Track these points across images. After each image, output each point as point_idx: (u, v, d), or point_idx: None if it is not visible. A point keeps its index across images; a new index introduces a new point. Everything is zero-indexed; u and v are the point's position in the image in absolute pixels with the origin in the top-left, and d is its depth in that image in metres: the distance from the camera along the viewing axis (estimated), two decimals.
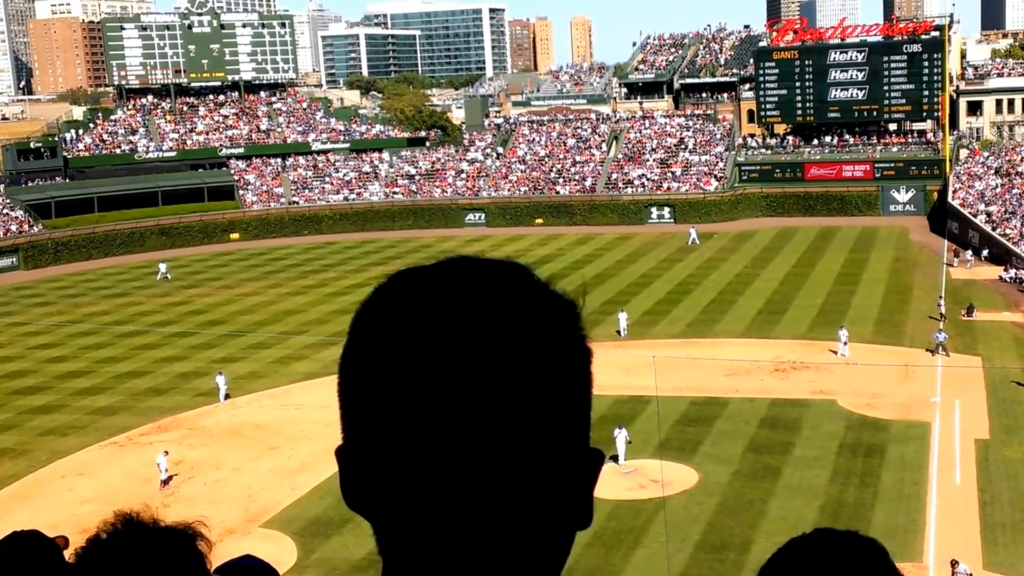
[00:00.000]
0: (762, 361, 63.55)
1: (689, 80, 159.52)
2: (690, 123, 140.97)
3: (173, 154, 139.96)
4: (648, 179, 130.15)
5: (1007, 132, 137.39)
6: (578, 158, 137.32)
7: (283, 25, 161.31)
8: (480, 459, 1.74)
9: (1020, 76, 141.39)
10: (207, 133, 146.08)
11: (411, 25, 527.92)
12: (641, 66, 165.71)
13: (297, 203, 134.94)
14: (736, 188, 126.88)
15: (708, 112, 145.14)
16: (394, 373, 1.75)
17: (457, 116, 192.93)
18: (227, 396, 61.93)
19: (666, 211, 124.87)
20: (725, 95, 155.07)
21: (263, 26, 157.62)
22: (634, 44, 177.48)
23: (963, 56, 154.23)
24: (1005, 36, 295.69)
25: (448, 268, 1.86)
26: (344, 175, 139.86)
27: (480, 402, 1.73)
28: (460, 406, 1.72)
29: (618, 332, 71.03)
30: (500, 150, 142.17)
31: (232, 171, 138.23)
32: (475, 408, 1.73)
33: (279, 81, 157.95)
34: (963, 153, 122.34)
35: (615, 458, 47.40)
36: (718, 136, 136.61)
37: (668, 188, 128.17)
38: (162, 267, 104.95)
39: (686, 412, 55.23)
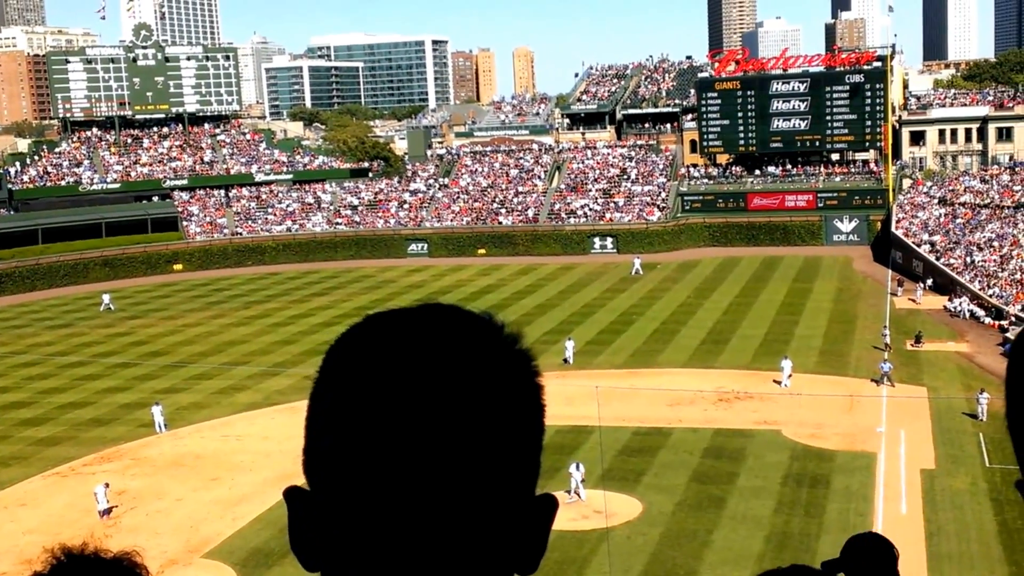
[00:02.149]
0: (705, 391, 63.27)
1: (631, 111, 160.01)
2: (632, 153, 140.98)
3: (117, 186, 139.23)
4: (591, 209, 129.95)
5: (950, 162, 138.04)
6: (520, 188, 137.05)
7: (227, 58, 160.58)
8: (437, 507, 1.78)
9: (962, 106, 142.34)
10: (151, 165, 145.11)
11: (354, 57, 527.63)
12: (583, 97, 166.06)
13: (240, 234, 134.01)
14: (679, 218, 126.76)
15: (650, 142, 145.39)
16: (355, 420, 1.80)
17: (400, 147, 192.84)
18: (164, 427, 61.42)
19: (609, 241, 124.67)
20: (667, 125, 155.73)
21: (207, 59, 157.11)
22: (576, 75, 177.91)
23: (905, 86, 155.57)
24: (947, 66, 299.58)
25: (420, 316, 1.92)
26: (287, 206, 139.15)
27: (438, 452, 1.77)
28: (418, 457, 1.77)
29: (565, 360, 70.75)
30: (443, 181, 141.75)
31: (176, 202, 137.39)
32: (433, 459, 1.77)
33: (223, 113, 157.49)
34: (906, 183, 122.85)
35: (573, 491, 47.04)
36: (661, 166, 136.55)
37: (611, 218, 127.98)
38: (105, 298, 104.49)
39: (629, 442, 54.87)
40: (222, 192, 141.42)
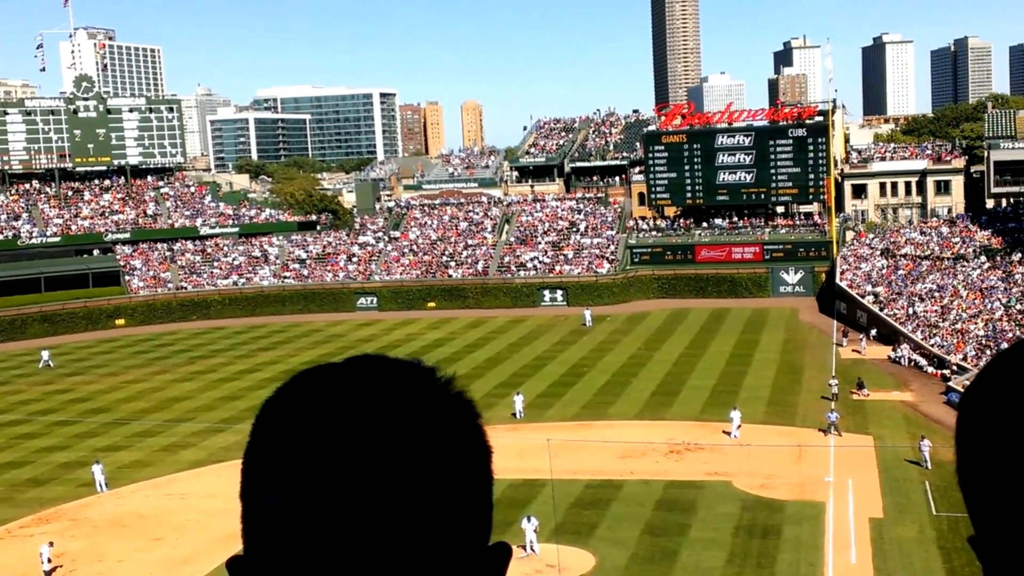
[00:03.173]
0: (656, 443, 63.55)
1: (580, 163, 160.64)
2: (581, 206, 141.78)
3: (57, 239, 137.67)
4: (540, 262, 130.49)
5: (891, 214, 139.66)
6: (470, 241, 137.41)
7: (171, 110, 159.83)
8: (387, 563, 1.74)
9: (902, 159, 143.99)
10: (92, 218, 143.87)
11: (301, 109, 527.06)
12: (532, 149, 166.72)
13: (185, 288, 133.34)
14: (628, 270, 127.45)
15: (599, 195, 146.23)
16: (295, 482, 1.75)
17: (348, 200, 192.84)
18: (105, 486, 60.42)
19: (559, 294, 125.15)
20: (616, 178, 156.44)
21: (150, 111, 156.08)
22: (525, 128, 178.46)
23: (847, 140, 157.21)
24: (887, 121, 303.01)
25: (349, 369, 1.89)
26: (233, 259, 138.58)
27: (380, 509, 1.73)
28: (360, 516, 1.72)
29: (514, 415, 70.88)
30: (392, 234, 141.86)
31: (118, 256, 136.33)
32: (376, 517, 1.73)
33: (167, 165, 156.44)
34: (849, 235, 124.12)
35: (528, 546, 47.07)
36: (609, 219, 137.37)
37: (560, 271, 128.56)
38: (44, 355, 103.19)
39: (581, 495, 54.97)
40: (166, 246, 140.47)
